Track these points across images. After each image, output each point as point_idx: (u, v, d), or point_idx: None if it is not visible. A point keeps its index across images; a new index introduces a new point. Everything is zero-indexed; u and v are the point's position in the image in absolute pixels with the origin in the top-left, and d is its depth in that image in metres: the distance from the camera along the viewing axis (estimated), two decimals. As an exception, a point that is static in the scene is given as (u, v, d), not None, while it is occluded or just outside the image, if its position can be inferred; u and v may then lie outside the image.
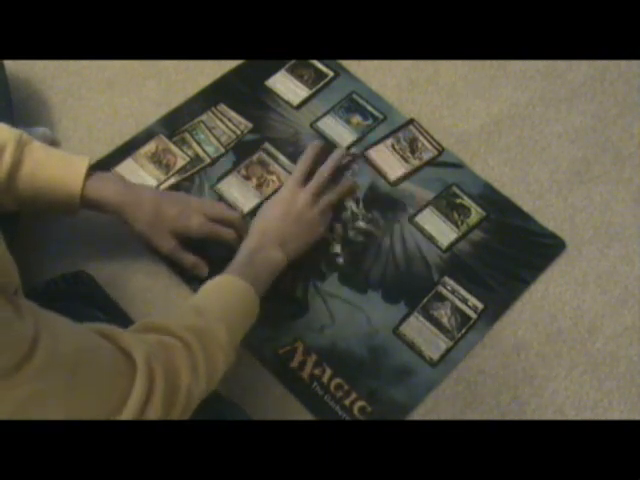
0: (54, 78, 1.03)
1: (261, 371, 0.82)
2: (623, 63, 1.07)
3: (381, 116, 1.00)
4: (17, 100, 0.94)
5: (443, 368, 0.83)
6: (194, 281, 0.84)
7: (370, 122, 1.00)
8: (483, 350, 0.84)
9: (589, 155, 0.99)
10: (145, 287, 0.87)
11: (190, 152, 0.96)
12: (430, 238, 0.91)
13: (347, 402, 0.80)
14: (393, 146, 0.98)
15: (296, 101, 1.01)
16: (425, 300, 0.86)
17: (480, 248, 0.90)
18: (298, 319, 0.85)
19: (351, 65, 1.05)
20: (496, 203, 0.94)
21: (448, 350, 0.83)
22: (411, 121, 1.00)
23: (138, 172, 0.93)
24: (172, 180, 0.93)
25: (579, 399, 0.82)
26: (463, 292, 0.87)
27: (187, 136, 0.97)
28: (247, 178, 0.94)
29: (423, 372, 0.82)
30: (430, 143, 0.98)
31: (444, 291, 0.87)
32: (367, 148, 0.97)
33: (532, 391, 0.82)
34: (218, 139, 0.97)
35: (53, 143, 0.92)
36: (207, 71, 1.03)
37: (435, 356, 0.83)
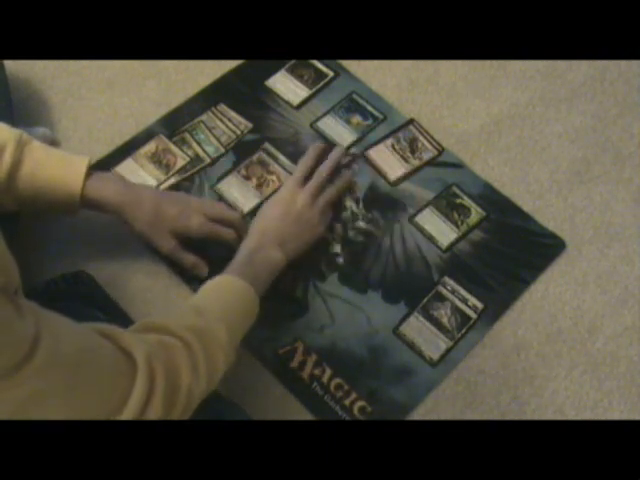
0: (54, 78, 1.03)
1: (261, 371, 0.82)
2: (623, 63, 1.07)
3: (381, 116, 1.00)
4: (17, 100, 0.94)
5: (443, 368, 0.83)
6: (194, 281, 0.84)
7: (370, 122, 1.00)
8: (483, 350, 0.84)
9: (589, 155, 0.99)
10: (145, 287, 0.87)
11: (190, 152, 0.96)
12: (430, 238, 0.91)
13: (347, 402, 0.80)
14: (393, 146, 0.98)
15: (296, 101, 1.01)
16: (425, 300, 0.86)
17: (480, 248, 0.90)
18: (298, 319, 0.85)
19: (351, 65, 1.05)
20: (496, 203, 0.94)
21: (448, 350, 0.83)
22: (411, 121, 1.00)
23: (138, 172, 0.94)
24: (172, 180, 0.93)
25: (579, 399, 0.82)
26: (463, 292, 0.87)
27: (187, 136, 0.97)
28: (247, 178, 0.94)
29: (423, 372, 0.82)
30: (430, 143, 0.98)
31: (444, 291, 0.87)
32: (367, 148, 0.97)
33: (532, 391, 0.82)
34: (218, 139, 0.97)
35: (53, 143, 0.92)
36: (207, 71, 1.03)
37: (435, 356, 0.83)
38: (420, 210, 0.93)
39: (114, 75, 1.03)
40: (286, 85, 1.02)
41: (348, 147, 0.97)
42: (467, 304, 0.86)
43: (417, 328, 0.84)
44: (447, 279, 0.88)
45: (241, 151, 0.96)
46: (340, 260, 0.89)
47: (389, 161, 0.97)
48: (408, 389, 0.81)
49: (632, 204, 0.95)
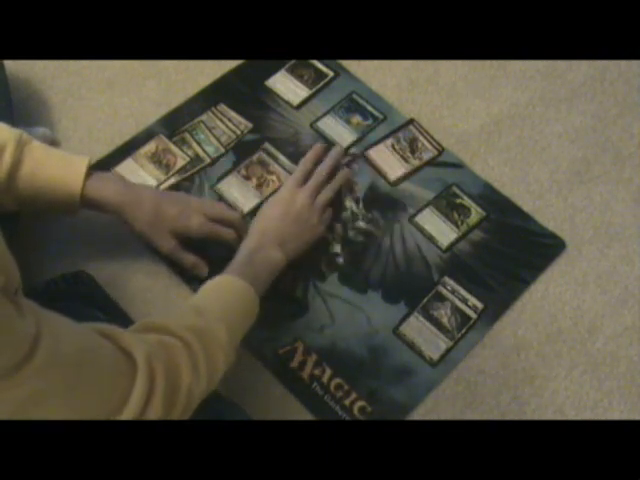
0: (54, 78, 1.03)
1: (261, 371, 0.82)
2: (623, 63, 1.07)
3: (381, 116, 1.00)
4: (17, 100, 0.94)
5: (443, 368, 0.83)
6: (194, 281, 0.84)
7: (370, 122, 1.00)
8: (483, 350, 0.84)
9: (589, 155, 0.99)
10: (145, 287, 0.87)
11: (190, 152, 0.96)
12: (430, 238, 0.91)
13: (347, 402, 0.80)
14: (393, 146, 0.98)
15: (296, 101, 1.01)
16: (425, 300, 0.86)
17: (480, 248, 0.90)
18: (298, 319, 0.85)
19: (351, 65, 1.05)
20: (496, 203, 0.94)
21: (448, 350, 0.83)
22: (411, 121, 1.00)
23: (138, 172, 0.94)
24: (172, 180, 0.93)
25: (579, 399, 0.82)
26: (463, 292, 0.87)
27: (187, 136, 0.97)
28: (247, 178, 0.94)
29: (423, 372, 0.82)
30: (430, 143, 0.98)
31: (444, 291, 0.87)
32: (367, 148, 0.97)
33: (532, 391, 0.82)
34: (218, 139, 0.97)
35: (53, 143, 0.92)
36: (207, 71, 1.03)
37: (435, 356, 0.83)
38: (420, 210, 0.93)
39: (114, 75, 1.03)
40: (286, 85, 1.02)
41: (348, 147, 0.97)
42: (467, 304, 0.86)
43: (417, 328, 0.84)
44: (447, 279, 0.88)
45: (241, 151, 0.96)
46: (340, 260, 0.89)
47: (389, 161, 0.97)
48: (408, 389, 0.81)
49: (632, 204, 0.95)
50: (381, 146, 0.98)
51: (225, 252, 0.81)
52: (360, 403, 0.80)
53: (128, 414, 0.53)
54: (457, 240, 0.91)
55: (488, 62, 1.07)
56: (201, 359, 0.61)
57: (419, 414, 0.80)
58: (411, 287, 0.87)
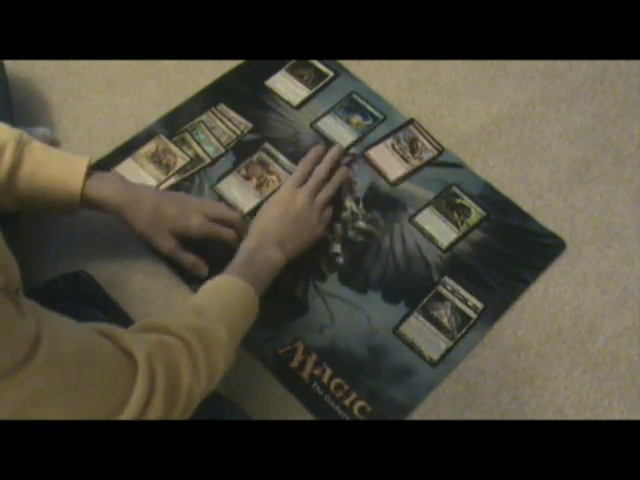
0: (54, 78, 1.03)
1: (261, 371, 0.82)
2: (623, 63, 1.07)
3: (381, 116, 1.00)
4: (17, 100, 0.94)
5: (443, 368, 0.83)
6: (194, 281, 0.84)
7: (370, 122, 1.00)
8: (483, 350, 0.84)
9: (589, 155, 0.99)
10: (145, 287, 0.87)
11: (190, 152, 0.96)
12: (430, 238, 0.91)
13: (347, 402, 0.80)
14: (393, 146, 0.98)
15: (296, 101, 1.01)
16: (425, 300, 0.86)
17: (480, 248, 0.90)
18: (298, 319, 0.85)
19: (351, 65, 1.05)
20: (496, 203, 0.94)
21: (448, 350, 0.83)
22: (411, 121, 1.00)
23: (138, 172, 0.94)
24: (172, 180, 0.93)
25: (579, 399, 0.82)
26: (463, 292, 0.87)
27: (187, 136, 0.97)
28: (247, 178, 0.94)
29: (423, 372, 0.82)
30: (430, 143, 0.98)
31: (444, 291, 0.87)
32: (367, 148, 0.97)
33: (532, 391, 0.82)
34: (218, 139, 0.97)
35: (53, 143, 0.92)
36: (207, 71, 1.03)
37: (435, 356, 0.83)
38: (420, 210, 0.93)
39: (114, 75, 1.03)
40: (286, 85, 1.02)
41: (348, 147, 0.97)
42: (467, 304, 0.86)
43: (417, 328, 0.84)
44: (447, 279, 0.88)
45: (241, 151, 0.96)
46: (340, 260, 0.89)
47: (389, 161, 0.97)
48: (408, 389, 0.81)
49: (632, 204, 0.95)
50: (381, 146, 0.98)
51: (225, 252, 0.81)
52: (360, 403, 0.80)
53: (128, 414, 0.53)
54: (457, 240, 0.91)
55: (488, 62, 1.07)
56: (201, 359, 0.61)
57: (419, 414, 0.80)
58: (411, 287, 0.87)
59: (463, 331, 0.85)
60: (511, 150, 0.99)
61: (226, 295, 0.72)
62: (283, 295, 0.85)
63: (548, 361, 0.84)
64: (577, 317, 0.87)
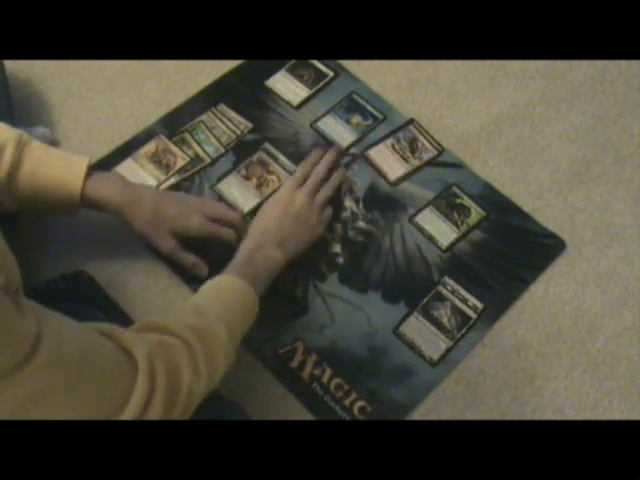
0: (54, 78, 1.03)
1: (261, 371, 0.82)
2: (623, 63, 1.07)
3: (381, 116, 1.00)
4: (17, 100, 0.94)
5: (443, 368, 0.83)
6: (194, 281, 0.84)
7: (370, 122, 1.00)
8: (483, 350, 0.84)
9: (589, 155, 0.99)
10: (145, 287, 0.87)
11: (190, 152, 0.96)
12: (430, 238, 0.91)
13: (347, 402, 0.80)
14: (393, 146, 0.98)
15: (296, 101, 1.01)
16: (425, 300, 0.86)
17: (480, 248, 0.90)
18: (298, 319, 0.85)
19: (351, 65, 1.05)
20: (496, 203, 0.94)
21: (448, 350, 0.83)
22: (411, 121, 1.00)
23: (138, 172, 0.94)
24: (172, 180, 0.93)
25: (579, 399, 0.82)
26: (463, 292, 0.87)
27: (187, 136, 0.97)
28: (247, 178, 0.94)
29: (423, 372, 0.82)
30: (430, 143, 0.98)
31: (444, 291, 0.87)
32: (367, 148, 0.97)
33: (532, 391, 0.82)
34: (218, 139, 0.97)
35: (53, 143, 0.92)
36: (207, 71, 1.03)
37: (435, 356, 0.83)
38: (420, 210, 0.93)
39: (114, 75, 1.03)
40: (286, 85, 1.02)
41: (348, 147, 0.97)
42: (467, 304, 0.86)
43: (417, 328, 0.84)
44: (447, 279, 0.88)
45: (241, 151, 0.96)
46: (340, 260, 0.89)
47: (389, 161, 0.97)
48: (408, 389, 0.81)
49: (632, 204, 0.95)
50: (381, 146, 0.98)
51: (225, 252, 0.81)
52: (360, 403, 0.80)
53: (129, 414, 0.53)
54: (457, 240, 0.91)
55: (488, 62, 1.07)
56: (201, 359, 0.61)
57: (419, 414, 0.80)
58: (411, 287, 0.87)
59: (463, 331, 0.85)
60: (511, 150, 0.99)
61: (226, 295, 0.73)
62: (283, 295, 0.85)
63: (548, 361, 0.84)
64: (577, 317, 0.87)
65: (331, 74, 1.04)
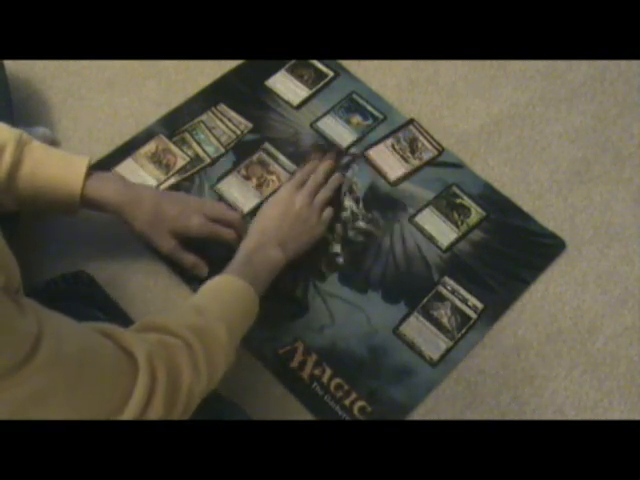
0: (54, 78, 1.03)
1: (261, 371, 0.82)
2: (623, 63, 1.07)
3: (381, 116, 1.00)
4: (17, 100, 0.94)
5: (443, 368, 0.83)
6: (194, 281, 0.84)
7: (370, 122, 1.00)
8: (483, 350, 0.84)
9: (589, 155, 0.99)
10: (145, 287, 0.87)
11: (190, 152, 0.96)
12: (430, 238, 0.91)
13: (347, 402, 0.80)
14: (393, 146, 0.98)
15: (296, 101, 1.01)
16: (425, 300, 0.86)
17: (480, 248, 0.90)
18: (298, 319, 0.85)
19: (351, 65, 1.05)
20: (496, 203, 0.94)
21: (448, 350, 0.83)
22: (411, 121, 1.00)
23: (138, 172, 0.93)
24: (172, 180, 0.93)
25: (579, 399, 0.82)
26: (463, 292, 0.87)
27: (187, 136, 0.97)
28: (247, 178, 0.94)
29: (423, 372, 0.82)
30: (430, 143, 0.98)
31: (444, 291, 0.87)
32: (367, 148, 0.97)
33: (532, 391, 0.82)
34: (218, 139, 0.97)
35: (53, 143, 0.92)
36: (207, 71, 1.03)
37: (435, 356, 0.83)
38: (420, 210, 0.93)
39: (114, 75, 1.03)
40: (286, 85, 1.02)
41: (348, 147, 0.97)
42: (467, 304, 0.86)
43: (417, 328, 0.84)
44: (447, 279, 0.88)
45: (241, 151, 0.96)
46: (340, 260, 0.89)
47: (389, 161, 0.97)
48: (408, 389, 0.81)
49: (632, 204, 0.95)
50: (381, 146, 0.98)
51: (225, 252, 0.81)
52: (360, 403, 0.80)
53: (129, 413, 0.53)
54: (457, 240, 0.91)
55: (488, 62, 1.07)
56: (201, 358, 0.61)
57: (419, 414, 0.80)
58: (411, 287, 0.87)
59: (463, 331, 0.85)
60: (511, 150, 0.99)
61: (226, 295, 0.73)
62: (283, 295, 0.85)
63: (548, 361, 0.84)
64: (577, 317, 0.87)
65: (331, 74, 1.04)
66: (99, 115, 1.00)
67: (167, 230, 0.81)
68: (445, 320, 0.85)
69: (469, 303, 0.86)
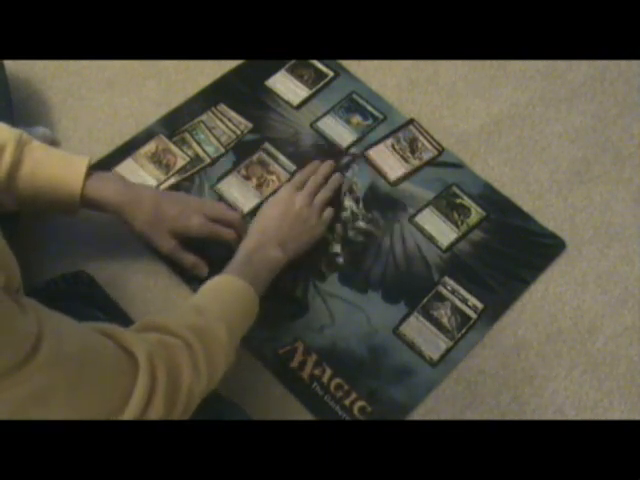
0: (54, 78, 1.03)
1: (261, 371, 0.82)
2: (623, 63, 1.07)
3: (381, 116, 1.00)
4: (17, 100, 0.94)
5: (443, 368, 0.83)
6: (194, 281, 0.84)
7: (370, 122, 1.00)
8: (483, 350, 0.84)
9: (589, 155, 0.99)
10: (145, 287, 0.87)
11: (190, 152, 0.96)
12: (430, 238, 0.91)
13: (347, 402, 0.80)
14: (393, 146, 0.98)
15: (296, 101, 1.01)
16: (425, 300, 0.86)
17: (480, 248, 0.90)
18: (298, 319, 0.85)
19: (351, 65, 1.05)
20: (496, 203, 0.94)
21: (448, 350, 0.83)
22: (411, 121, 1.00)
23: (138, 172, 0.93)
24: (172, 180, 0.93)
25: (579, 399, 0.82)
26: (463, 292, 0.87)
27: (187, 136, 0.97)
28: (247, 178, 0.94)
29: (423, 372, 0.82)
30: (430, 143, 0.98)
31: (444, 291, 0.87)
32: (367, 148, 0.97)
33: (532, 391, 0.82)
34: (218, 139, 0.97)
35: (53, 143, 0.92)
36: (207, 71, 1.03)
37: (435, 356, 0.83)
38: (420, 210, 0.93)
39: (114, 75, 1.03)
40: (286, 85, 1.02)
41: (348, 147, 0.97)
42: (467, 304, 0.86)
43: (417, 328, 0.84)
44: (447, 279, 0.88)
45: (241, 151, 0.96)
46: (340, 260, 0.89)
47: (389, 161, 0.97)
48: (408, 389, 0.81)
49: (632, 204, 0.95)
50: (381, 146, 0.98)
51: (225, 252, 0.81)
52: (360, 403, 0.80)
53: (130, 413, 0.53)
54: (457, 240, 0.91)
55: (488, 62, 1.07)
56: (201, 358, 0.61)
57: (419, 414, 0.80)
58: (411, 287, 0.87)
59: (463, 331, 0.85)
60: (511, 150, 0.99)
61: (226, 295, 0.73)
62: (283, 295, 0.85)
63: (548, 361, 0.84)
64: (577, 317, 0.87)
65: (331, 74, 1.04)
66: (99, 115, 1.00)
67: (167, 230, 0.81)
68: (445, 320, 0.85)
69: (469, 303, 0.86)
